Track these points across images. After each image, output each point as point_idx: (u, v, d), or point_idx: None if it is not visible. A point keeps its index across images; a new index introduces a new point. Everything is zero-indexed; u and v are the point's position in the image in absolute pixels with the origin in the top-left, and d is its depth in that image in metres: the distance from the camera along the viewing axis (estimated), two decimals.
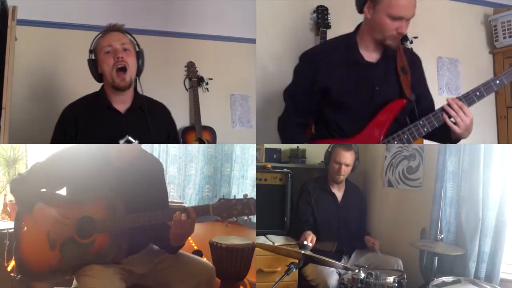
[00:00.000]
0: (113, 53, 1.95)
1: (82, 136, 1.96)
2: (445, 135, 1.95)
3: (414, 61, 2.09)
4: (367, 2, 1.88)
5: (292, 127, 2.13)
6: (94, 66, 2.01)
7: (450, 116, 1.87)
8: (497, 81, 1.87)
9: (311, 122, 2.21)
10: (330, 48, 2.08)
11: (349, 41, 2.01)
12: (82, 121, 1.98)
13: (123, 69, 1.94)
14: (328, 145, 2.61)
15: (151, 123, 2.02)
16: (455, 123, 1.88)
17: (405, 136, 1.93)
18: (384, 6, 1.83)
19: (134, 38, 2.05)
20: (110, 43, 1.96)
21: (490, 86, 1.87)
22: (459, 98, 1.88)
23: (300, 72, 2.09)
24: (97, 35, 2.02)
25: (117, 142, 1.94)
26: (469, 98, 1.88)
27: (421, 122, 1.91)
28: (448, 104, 1.87)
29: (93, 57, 2.02)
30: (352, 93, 1.97)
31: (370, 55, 1.99)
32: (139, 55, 2.03)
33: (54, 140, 2.01)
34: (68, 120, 1.99)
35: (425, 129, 1.91)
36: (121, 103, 2.02)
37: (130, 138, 1.95)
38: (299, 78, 2.09)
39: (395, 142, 1.93)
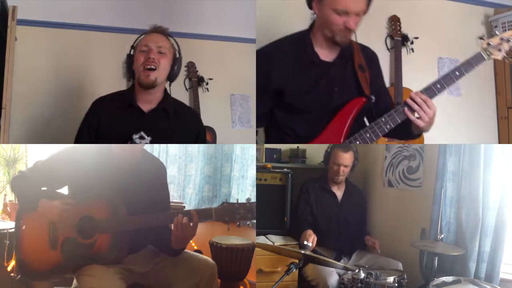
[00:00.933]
0: (146, 53, 1.96)
1: (103, 130, 1.97)
2: (406, 130, 1.88)
3: (371, 58, 2.02)
4: None
5: None
6: (130, 62, 2.03)
7: (412, 111, 1.80)
8: (457, 73, 1.82)
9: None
10: (283, 47, 1.96)
11: (302, 39, 1.93)
12: (104, 116, 1.99)
13: (151, 70, 1.94)
14: (327, 145, 2.61)
15: (175, 126, 2.01)
16: (418, 118, 1.80)
17: (368, 135, 1.85)
18: (328, 0, 1.77)
19: (177, 43, 2.06)
20: (147, 43, 1.97)
21: (450, 78, 1.82)
22: (421, 91, 1.82)
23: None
24: (141, 34, 2.05)
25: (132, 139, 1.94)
26: (430, 91, 1.82)
27: (383, 119, 1.83)
28: (411, 98, 1.80)
29: (132, 53, 2.04)
30: (308, 94, 1.88)
31: (326, 54, 1.91)
32: (176, 61, 2.04)
33: (80, 131, 2.03)
34: (92, 113, 2.01)
35: (388, 126, 1.83)
36: (147, 102, 2.00)
37: (143, 133, 1.94)
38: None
39: (357, 143, 1.85)
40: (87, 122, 2.01)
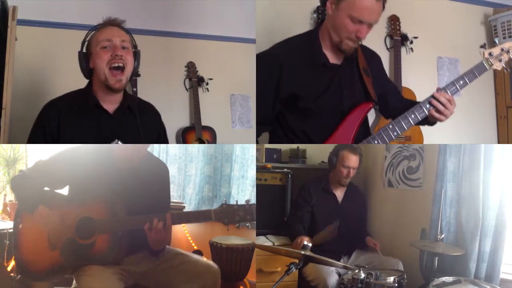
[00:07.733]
0: (111, 49, 1.81)
1: (65, 136, 1.82)
2: (424, 120, 1.93)
3: (373, 60, 2.05)
4: None
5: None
6: (86, 60, 1.86)
7: (436, 108, 1.86)
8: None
9: None
10: (293, 50, 1.92)
11: (311, 41, 1.92)
12: (66, 120, 1.83)
13: (120, 68, 1.82)
14: (332, 146, 2.60)
15: (142, 124, 1.91)
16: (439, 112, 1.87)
17: (394, 131, 1.89)
18: (347, 5, 1.75)
19: (133, 37, 1.94)
20: (109, 38, 1.83)
21: (474, 74, 1.91)
22: (444, 90, 1.87)
23: (260, 79, 1.92)
24: (93, 28, 1.88)
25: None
26: (454, 89, 1.89)
27: (406, 114, 1.88)
28: (436, 99, 1.85)
29: (85, 51, 1.87)
30: (321, 98, 1.89)
31: (334, 57, 1.92)
32: (136, 55, 1.91)
33: (32, 140, 1.85)
34: (49, 118, 1.84)
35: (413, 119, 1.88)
36: (110, 103, 1.89)
37: (119, 142, 1.84)
38: (259, 85, 1.92)
39: (376, 142, 1.90)
40: (42, 128, 1.83)
